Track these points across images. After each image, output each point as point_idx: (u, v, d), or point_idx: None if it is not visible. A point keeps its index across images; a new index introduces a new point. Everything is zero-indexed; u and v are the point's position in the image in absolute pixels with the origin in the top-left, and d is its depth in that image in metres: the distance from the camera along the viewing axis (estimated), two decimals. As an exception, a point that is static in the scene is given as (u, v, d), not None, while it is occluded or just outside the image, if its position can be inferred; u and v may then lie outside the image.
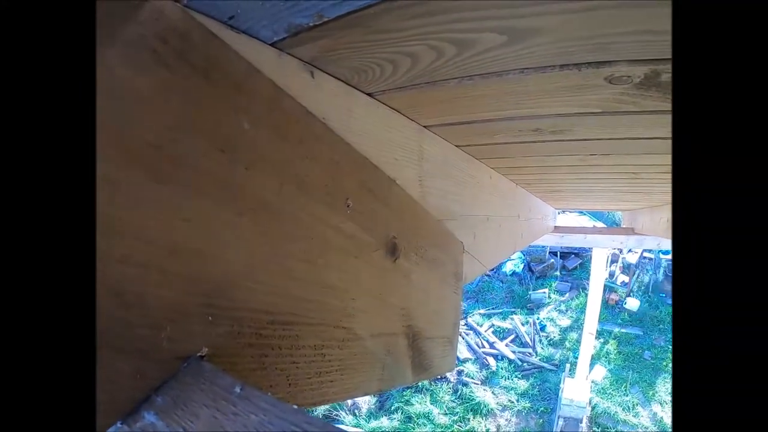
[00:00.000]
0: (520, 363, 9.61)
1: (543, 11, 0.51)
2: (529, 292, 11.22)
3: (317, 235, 0.64)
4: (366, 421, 8.43)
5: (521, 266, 11.85)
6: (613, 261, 11.22)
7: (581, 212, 11.56)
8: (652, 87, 0.72)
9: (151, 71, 0.42)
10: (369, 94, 0.78)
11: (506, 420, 8.46)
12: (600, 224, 11.12)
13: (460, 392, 8.87)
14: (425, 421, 8.36)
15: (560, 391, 8.13)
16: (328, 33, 0.55)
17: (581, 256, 11.62)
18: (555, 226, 4.50)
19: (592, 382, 8.54)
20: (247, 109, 0.52)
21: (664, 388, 8.59)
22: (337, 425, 0.31)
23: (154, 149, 0.41)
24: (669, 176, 1.73)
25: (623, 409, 8.27)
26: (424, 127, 1.01)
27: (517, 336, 10.27)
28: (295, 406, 0.34)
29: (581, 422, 7.75)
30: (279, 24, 0.52)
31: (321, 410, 8.01)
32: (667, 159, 1.35)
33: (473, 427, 8.26)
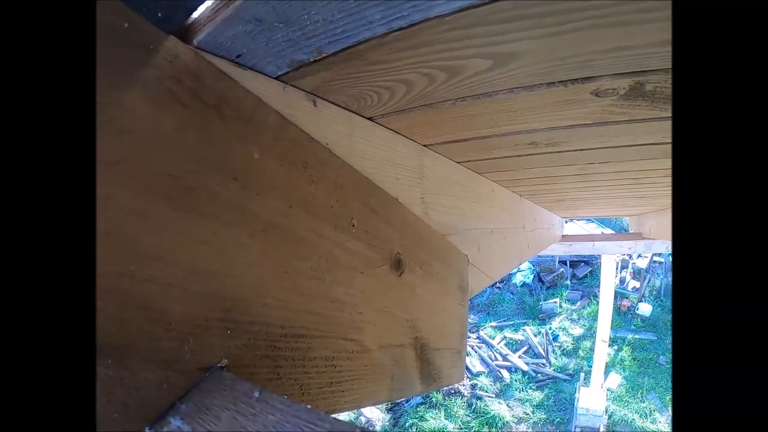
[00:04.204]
0: (534, 374, 9.49)
1: (521, 36, 0.55)
2: (540, 303, 11.11)
3: (324, 253, 0.67)
4: (381, 438, 8.37)
5: (531, 277, 11.75)
6: (624, 267, 11.11)
7: (589, 220, 11.50)
8: (639, 97, 0.75)
9: (169, 110, 0.46)
10: (369, 119, 0.82)
11: (522, 432, 8.37)
12: (608, 231, 11.06)
13: (474, 406, 8.76)
14: (440, 437, 8.29)
15: (576, 400, 8.02)
16: (328, 66, 0.59)
17: (591, 263, 11.51)
18: (563, 235, 4.48)
19: (608, 390, 8.41)
20: (256, 140, 0.56)
21: (681, 394, 8.45)
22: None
23: (173, 180, 0.46)
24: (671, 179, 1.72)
25: (640, 416, 8.13)
26: (424, 146, 1.04)
27: (529, 347, 10.16)
28: (309, 407, 0.38)
29: (598, 431, 7.65)
30: (282, 60, 0.57)
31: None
32: (666, 163, 1.36)
33: (489, 441, 8.18)
